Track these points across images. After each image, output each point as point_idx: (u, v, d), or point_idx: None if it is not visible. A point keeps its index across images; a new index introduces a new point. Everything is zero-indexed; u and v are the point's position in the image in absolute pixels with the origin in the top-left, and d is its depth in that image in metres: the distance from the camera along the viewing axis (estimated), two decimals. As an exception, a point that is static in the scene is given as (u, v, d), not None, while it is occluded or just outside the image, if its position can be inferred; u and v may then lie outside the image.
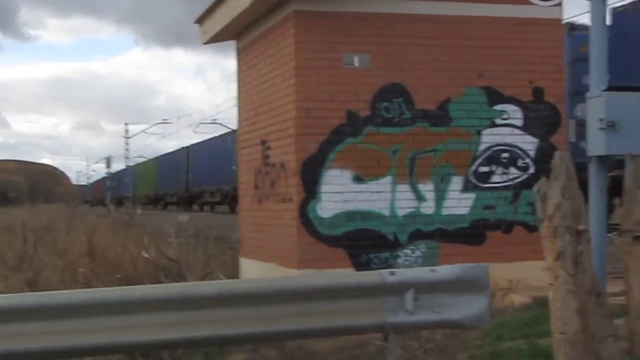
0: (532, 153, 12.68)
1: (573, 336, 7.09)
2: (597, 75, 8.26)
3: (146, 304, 7.08)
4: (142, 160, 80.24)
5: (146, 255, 14.70)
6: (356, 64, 12.20)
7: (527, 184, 12.12)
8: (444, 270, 7.55)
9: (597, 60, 8.30)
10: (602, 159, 8.24)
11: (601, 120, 8.01)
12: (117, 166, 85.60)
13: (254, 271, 13.88)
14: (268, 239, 13.45)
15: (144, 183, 73.22)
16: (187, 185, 55.51)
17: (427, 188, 12.34)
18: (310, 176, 12.00)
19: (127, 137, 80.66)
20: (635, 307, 7.53)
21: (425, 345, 8.03)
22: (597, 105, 8.10)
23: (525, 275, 11.12)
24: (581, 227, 7.17)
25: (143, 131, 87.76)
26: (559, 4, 12.70)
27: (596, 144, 8.14)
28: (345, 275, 9.59)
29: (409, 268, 10.40)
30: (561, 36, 12.98)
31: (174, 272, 13.32)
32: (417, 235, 12.25)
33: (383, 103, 12.22)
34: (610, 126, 7.97)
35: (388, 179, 12.22)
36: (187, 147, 58.26)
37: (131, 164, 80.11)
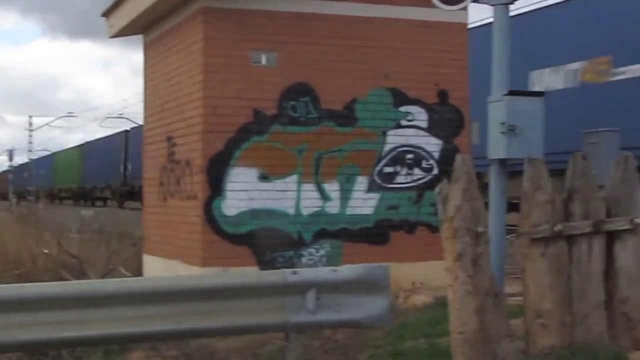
0: (436, 154, 12.84)
1: (471, 336, 7.22)
2: (498, 80, 8.44)
3: (44, 302, 6.96)
4: (45, 153, 78.35)
5: (46, 252, 14.46)
6: (263, 62, 12.19)
7: (431, 185, 12.22)
8: (346, 270, 7.58)
9: (499, 65, 8.48)
10: (502, 162, 8.41)
11: (502, 124, 8.18)
12: (20, 159, 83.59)
13: (158, 268, 13.76)
14: (172, 236, 13.35)
15: (65, 175, 65.14)
16: (125, 178, 47.65)
17: (332, 188, 12.40)
18: (216, 174, 11.96)
19: (31, 130, 79.04)
20: (532, 307, 7.69)
21: (326, 344, 8.06)
22: (498, 110, 8.27)
23: (428, 275, 11.19)
24: (480, 229, 7.31)
25: (48, 124, 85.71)
26: (464, 8, 12.86)
27: (497, 147, 8.31)
28: (248, 274, 9.56)
29: (312, 267, 10.44)
30: (466, 39, 13.14)
31: (76, 269, 13.13)
32: (321, 235, 12.30)
33: (290, 102, 12.24)
34: (511, 130, 8.14)
35: (294, 178, 12.24)
36: (127, 131, 49.91)
37: (34, 157, 78.16)
